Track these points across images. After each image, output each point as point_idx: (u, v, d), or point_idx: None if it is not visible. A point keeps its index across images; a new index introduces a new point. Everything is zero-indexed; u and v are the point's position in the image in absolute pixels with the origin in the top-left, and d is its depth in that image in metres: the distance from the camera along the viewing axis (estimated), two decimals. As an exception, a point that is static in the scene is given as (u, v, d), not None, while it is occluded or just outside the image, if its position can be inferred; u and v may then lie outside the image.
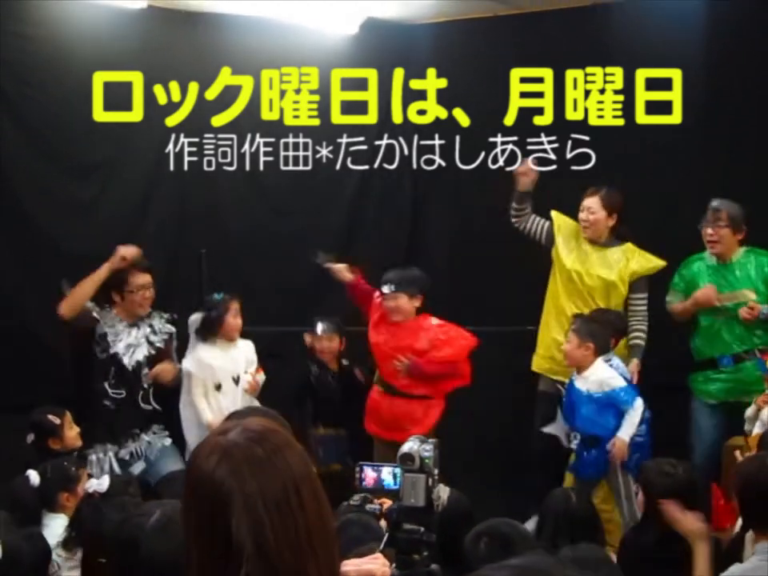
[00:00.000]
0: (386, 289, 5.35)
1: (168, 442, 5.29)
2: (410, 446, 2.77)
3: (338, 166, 6.57)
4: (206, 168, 6.21)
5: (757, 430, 4.97)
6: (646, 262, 5.53)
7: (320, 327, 5.61)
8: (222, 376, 5.28)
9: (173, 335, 5.32)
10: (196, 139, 6.16)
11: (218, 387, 5.27)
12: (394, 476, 2.85)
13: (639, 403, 5.03)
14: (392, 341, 5.33)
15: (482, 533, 3.04)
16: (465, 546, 3.01)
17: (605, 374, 5.09)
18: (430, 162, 6.64)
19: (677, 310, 5.56)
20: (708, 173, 5.93)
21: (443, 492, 2.78)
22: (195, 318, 5.38)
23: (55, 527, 3.76)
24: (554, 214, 5.71)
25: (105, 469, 5.02)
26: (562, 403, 5.27)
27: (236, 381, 5.31)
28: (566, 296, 5.58)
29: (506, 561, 1.36)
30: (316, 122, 6.28)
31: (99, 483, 3.58)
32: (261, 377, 5.36)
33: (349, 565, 2.21)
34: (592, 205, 5.55)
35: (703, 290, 5.41)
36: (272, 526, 1.49)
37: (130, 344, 5.13)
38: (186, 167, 6.12)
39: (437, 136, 6.57)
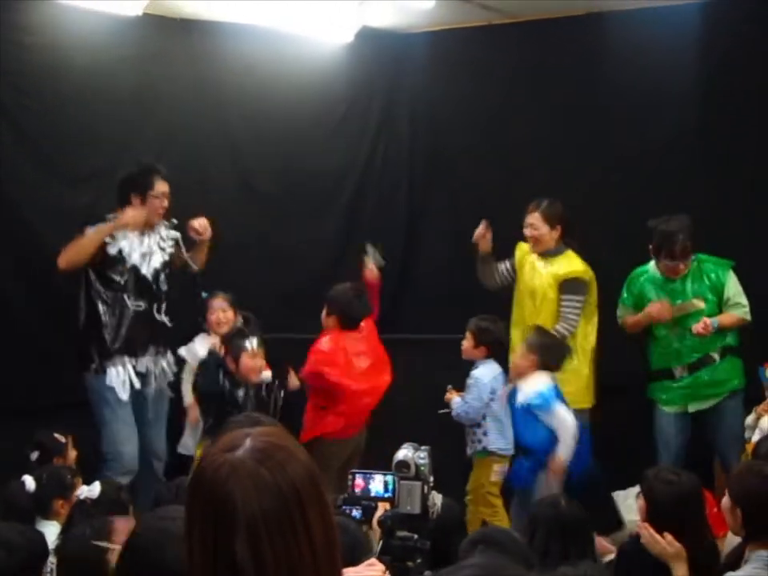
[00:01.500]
0: None
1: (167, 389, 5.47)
2: (404, 453, 2.79)
3: (336, 169, 6.61)
4: (202, 174, 6.23)
5: (756, 437, 5.01)
6: (567, 266, 5.62)
7: (253, 342, 5.31)
8: None
9: (178, 240, 5.42)
10: (192, 146, 6.17)
11: None
12: (386, 484, 2.85)
13: (564, 415, 5.10)
14: None
15: (476, 540, 3.04)
16: (459, 553, 3.01)
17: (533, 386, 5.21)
18: (430, 162, 6.70)
19: (628, 323, 5.62)
20: (706, 176, 5.94)
21: (437, 499, 2.80)
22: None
23: (48, 534, 3.75)
24: (518, 246, 5.82)
25: (126, 383, 5.13)
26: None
27: None
28: (524, 313, 5.69)
29: (463, 562, 1.38)
30: (313, 126, 6.36)
31: (90, 489, 3.59)
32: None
33: (350, 572, 2.22)
34: (534, 221, 5.66)
35: (658, 306, 5.43)
36: (272, 545, 1.49)
37: (144, 253, 5.25)
38: (181, 174, 6.12)
39: (436, 136, 6.62)
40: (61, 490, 4.01)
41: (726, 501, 3.42)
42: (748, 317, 5.41)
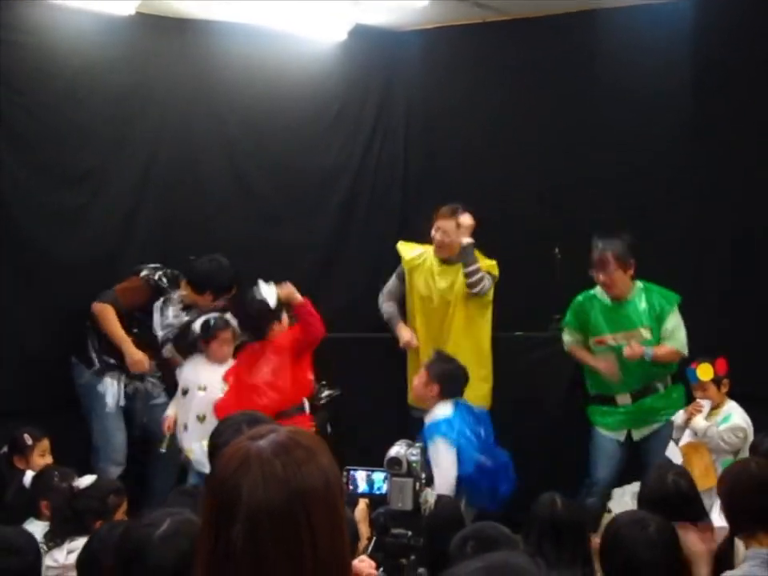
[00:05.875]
0: None
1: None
2: (397, 450, 2.78)
3: (330, 168, 6.60)
4: (196, 173, 6.21)
5: (687, 438, 5.04)
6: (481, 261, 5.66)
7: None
8: (192, 384, 5.43)
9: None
10: (186, 145, 6.15)
11: (185, 392, 5.44)
12: (371, 481, 2.84)
13: (444, 455, 4.81)
14: None
15: (467, 536, 3.03)
16: (450, 550, 3.00)
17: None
18: (424, 160, 6.70)
19: (575, 355, 5.60)
20: (699, 178, 5.93)
21: (430, 496, 2.80)
22: (197, 325, 5.56)
23: (37, 533, 3.77)
24: (400, 246, 5.87)
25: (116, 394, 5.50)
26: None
27: (203, 389, 5.40)
28: (421, 319, 5.70)
29: (479, 557, 1.36)
30: (308, 124, 6.35)
31: (81, 480, 3.65)
32: None
33: None
34: (448, 228, 5.65)
35: (605, 364, 5.41)
36: (275, 541, 1.48)
37: (170, 324, 5.57)
38: (175, 173, 6.11)
39: (430, 134, 6.62)
40: (46, 492, 4.01)
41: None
42: (683, 351, 5.38)
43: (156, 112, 5.99)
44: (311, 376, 5.34)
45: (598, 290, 5.51)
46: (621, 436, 5.50)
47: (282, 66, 6.33)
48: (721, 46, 5.77)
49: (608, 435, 5.50)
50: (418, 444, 2.84)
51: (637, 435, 5.48)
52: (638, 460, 5.41)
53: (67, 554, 3.60)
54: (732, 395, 5.09)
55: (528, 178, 6.40)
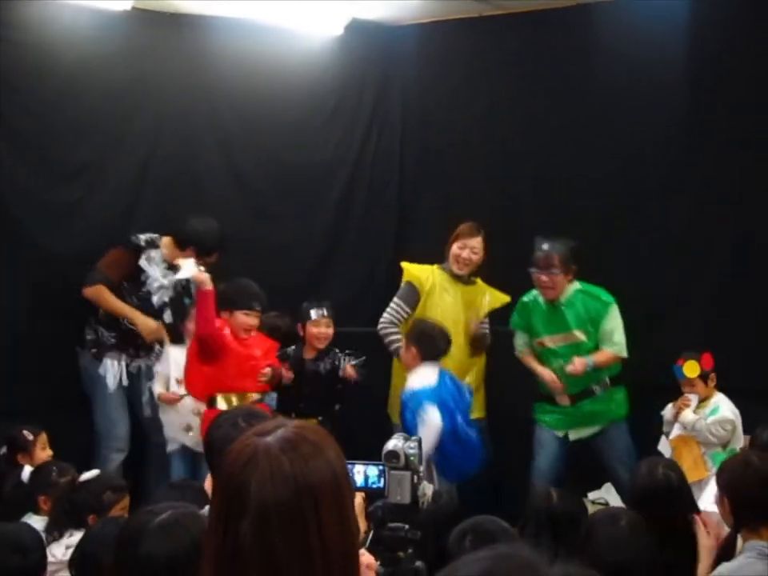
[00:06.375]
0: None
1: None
2: (394, 443, 2.79)
3: (326, 163, 6.60)
4: (192, 168, 6.21)
5: (676, 432, 5.08)
6: (498, 299, 5.74)
7: (317, 312, 5.49)
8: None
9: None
10: (183, 140, 6.16)
11: (180, 381, 5.41)
12: (366, 476, 2.85)
13: (431, 416, 4.90)
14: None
15: (466, 530, 3.04)
16: (449, 544, 3.01)
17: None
18: (421, 155, 6.70)
19: (524, 361, 5.64)
20: (695, 174, 5.93)
21: (428, 489, 2.81)
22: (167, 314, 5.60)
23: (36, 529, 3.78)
24: (405, 266, 5.80)
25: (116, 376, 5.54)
26: None
27: None
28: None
29: (485, 548, 1.37)
30: (304, 119, 6.34)
31: (88, 473, 3.66)
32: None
33: None
34: (476, 245, 5.62)
35: (550, 379, 5.44)
36: (284, 537, 1.49)
37: (162, 286, 5.60)
38: (172, 168, 6.12)
39: (427, 129, 6.62)
40: (44, 487, 4.02)
41: (716, 490, 3.43)
42: (623, 354, 5.41)
43: (153, 107, 6.00)
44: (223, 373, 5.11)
45: (536, 292, 5.54)
46: (560, 433, 5.54)
47: (279, 61, 6.33)
48: (717, 41, 5.75)
49: (548, 430, 5.55)
50: (414, 438, 2.85)
51: (573, 435, 5.52)
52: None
53: (65, 549, 3.61)
54: (731, 391, 5.11)
55: (524, 173, 6.41)
